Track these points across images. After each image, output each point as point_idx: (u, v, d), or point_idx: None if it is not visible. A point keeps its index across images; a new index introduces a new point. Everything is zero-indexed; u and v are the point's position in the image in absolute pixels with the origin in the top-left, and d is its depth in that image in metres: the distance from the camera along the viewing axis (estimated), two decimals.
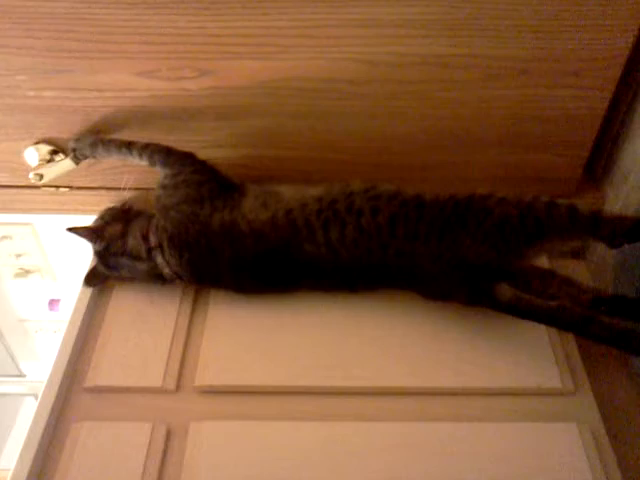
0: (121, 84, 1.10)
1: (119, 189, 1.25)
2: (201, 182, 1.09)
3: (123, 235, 1.10)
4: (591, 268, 1.27)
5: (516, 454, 0.95)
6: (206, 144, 1.18)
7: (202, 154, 1.12)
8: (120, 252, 1.09)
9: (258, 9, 1.00)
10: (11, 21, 1.01)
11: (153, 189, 1.14)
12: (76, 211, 1.33)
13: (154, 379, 1.03)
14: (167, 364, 1.04)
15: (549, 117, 1.14)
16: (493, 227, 0.99)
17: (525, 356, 1.05)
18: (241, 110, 1.14)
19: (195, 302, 1.15)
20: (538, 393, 1.02)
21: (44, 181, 1.18)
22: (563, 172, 1.24)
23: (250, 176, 1.15)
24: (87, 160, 1.18)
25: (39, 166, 1.18)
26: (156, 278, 1.11)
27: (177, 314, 1.12)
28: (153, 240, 1.08)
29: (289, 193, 1.08)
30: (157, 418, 0.98)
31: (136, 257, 1.09)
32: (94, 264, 1.15)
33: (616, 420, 1.03)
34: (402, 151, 1.20)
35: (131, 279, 1.14)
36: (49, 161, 1.19)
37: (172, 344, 1.07)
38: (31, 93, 1.12)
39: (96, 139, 1.14)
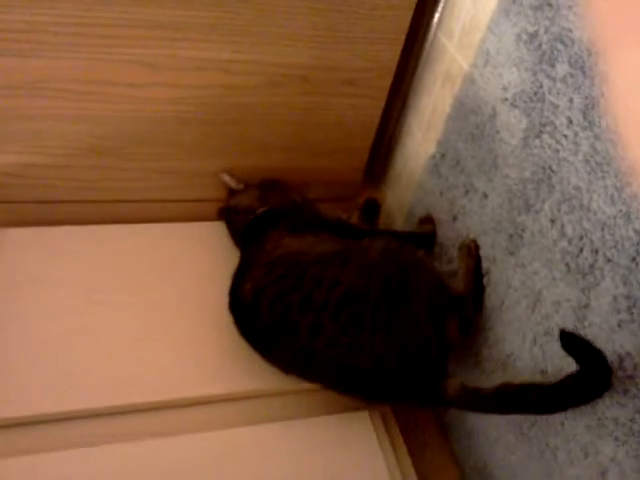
0: None
1: None
2: None
3: None
4: None
5: (317, 446, 0.99)
6: None
7: None
8: None
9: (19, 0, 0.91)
10: None
11: None
12: None
13: None
14: None
15: (329, 124, 1.20)
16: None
17: None
18: (7, 113, 1.04)
19: None
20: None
21: None
22: (345, 176, 1.31)
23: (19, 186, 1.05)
24: None
25: None
26: None
27: None
28: None
29: None
30: None
31: None
32: None
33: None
34: (188, 157, 1.18)
35: None
36: None
37: None
38: None
39: None
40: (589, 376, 0.76)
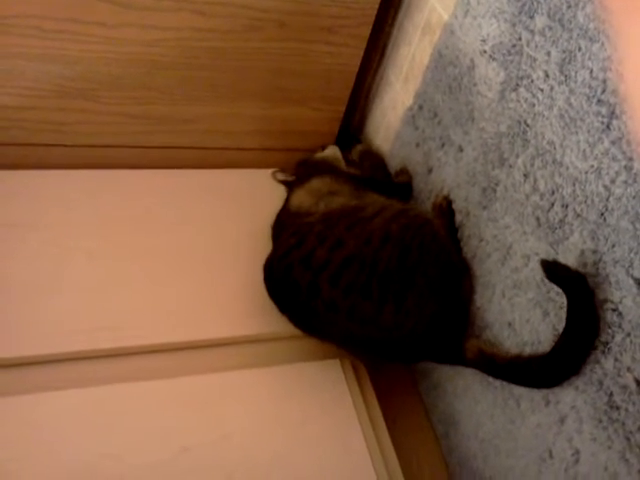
0: None
1: None
2: None
3: None
4: None
5: (290, 393, 1.01)
6: None
7: None
8: None
9: None
10: None
11: None
12: None
13: None
14: None
15: (307, 72, 1.18)
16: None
17: None
18: None
19: None
20: (304, 336, 1.06)
21: None
22: (321, 126, 1.29)
23: None
24: None
25: None
26: None
27: None
28: None
29: None
30: None
31: None
32: None
33: None
34: (162, 102, 1.15)
35: None
36: None
37: None
38: None
39: None
40: (576, 321, 0.76)
